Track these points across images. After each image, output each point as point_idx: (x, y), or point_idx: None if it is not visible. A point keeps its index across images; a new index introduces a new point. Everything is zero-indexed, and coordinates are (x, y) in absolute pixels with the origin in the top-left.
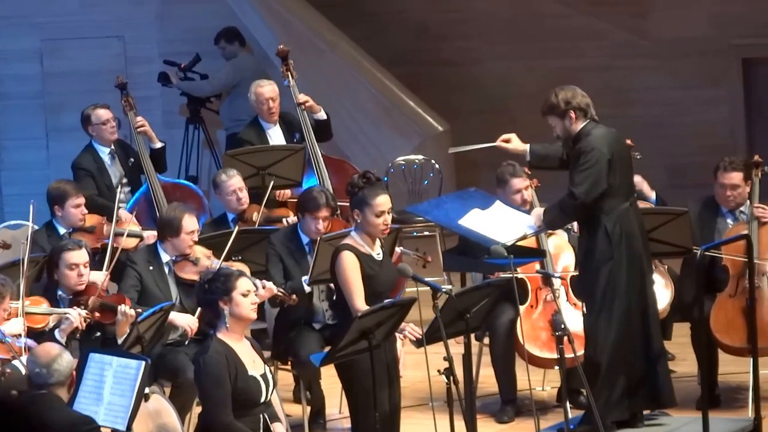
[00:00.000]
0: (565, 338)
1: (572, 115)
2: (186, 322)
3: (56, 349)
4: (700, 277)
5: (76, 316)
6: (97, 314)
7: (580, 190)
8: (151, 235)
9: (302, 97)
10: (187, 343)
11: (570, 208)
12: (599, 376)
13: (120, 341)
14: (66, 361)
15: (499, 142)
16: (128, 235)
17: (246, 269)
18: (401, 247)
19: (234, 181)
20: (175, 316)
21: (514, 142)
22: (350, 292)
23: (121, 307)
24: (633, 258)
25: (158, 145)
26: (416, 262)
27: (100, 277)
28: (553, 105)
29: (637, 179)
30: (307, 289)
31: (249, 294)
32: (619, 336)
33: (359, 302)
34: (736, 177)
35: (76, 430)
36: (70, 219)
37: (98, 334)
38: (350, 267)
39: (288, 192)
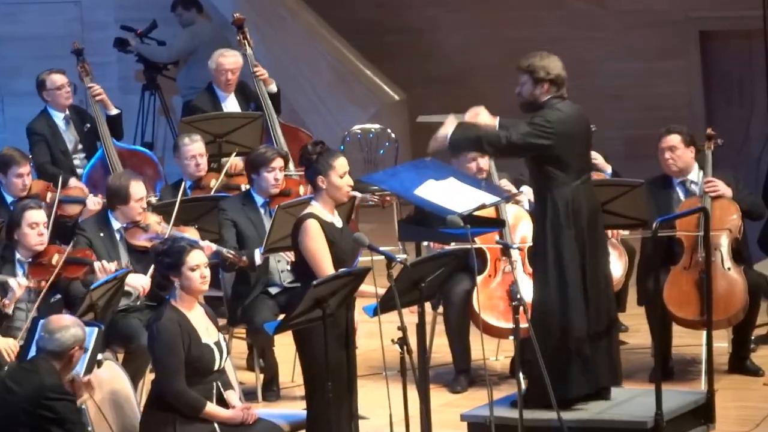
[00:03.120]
0: (521, 308)
1: (546, 86)
2: (138, 282)
3: (68, 321)
4: (655, 249)
5: (16, 285)
6: (64, 272)
7: (513, 136)
8: (95, 201)
9: (259, 71)
10: (141, 305)
11: (493, 145)
12: (546, 350)
13: None
14: (71, 334)
15: (468, 117)
16: (70, 202)
17: (196, 234)
18: (359, 194)
19: (194, 147)
20: (131, 279)
21: (482, 116)
22: (317, 261)
23: (97, 264)
24: (581, 235)
25: (114, 111)
26: (376, 204)
27: None
28: (535, 67)
29: (592, 153)
30: (259, 261)
31: (198, 268)
32: (568, 310)
33: (328, 270)
34: (673, 139)
35: (45, 395)
36: (10, 187)
37: (58, 296)
38: (315, 235)
39: (240, 164)
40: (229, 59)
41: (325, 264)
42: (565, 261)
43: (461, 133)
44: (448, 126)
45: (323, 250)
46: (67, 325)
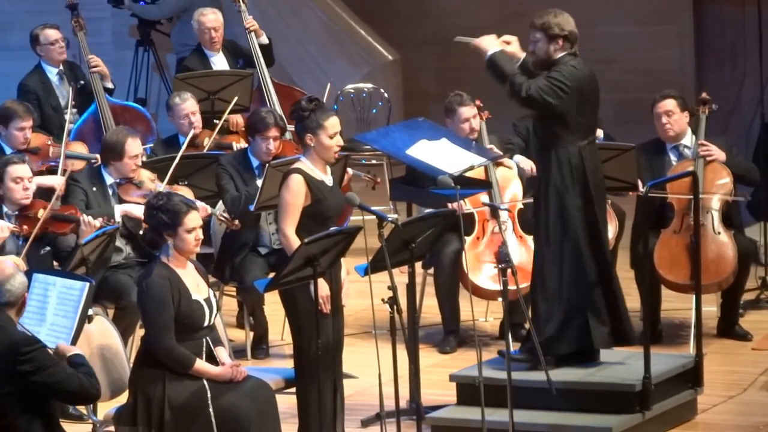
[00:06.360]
0: (509, 271)
1: (560, 42)
2: (139, 211)
3: (10, 269)
4: (645, 212)
5: (4, 228)
6: (49, 227)
7: (533, 89)
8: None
9: (249, 22)
10: (131, 261)
11: (513, 91)
12: (544, 308)
13: None
14: (19, 281)
15: (501, 42)
16: (76, 158)
17: (190, 193)
18: (352, 169)
19: (187, 105)
20: (131, 208)
21: (513, 46)
22: (284, 214)
23: (84, 217)
24: (585, 194)
25: (109, 85)
26: (366, 184)
27: (57, 181)
28: (549, 24)
29: None
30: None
31: (194, 230)
32: (569, 269)
33: (289, 228)
34: (670, 104)
35: (19, 350)
36: (11, 140)
37: (48, 248)
38: (293, 191)
39: (241, 121)
40: (209, 17)
41: (289, 219)
42: (570, 221)
43: (500, 60)
44: (490, 44)
45: (293, 206)
46: (12, 274)
